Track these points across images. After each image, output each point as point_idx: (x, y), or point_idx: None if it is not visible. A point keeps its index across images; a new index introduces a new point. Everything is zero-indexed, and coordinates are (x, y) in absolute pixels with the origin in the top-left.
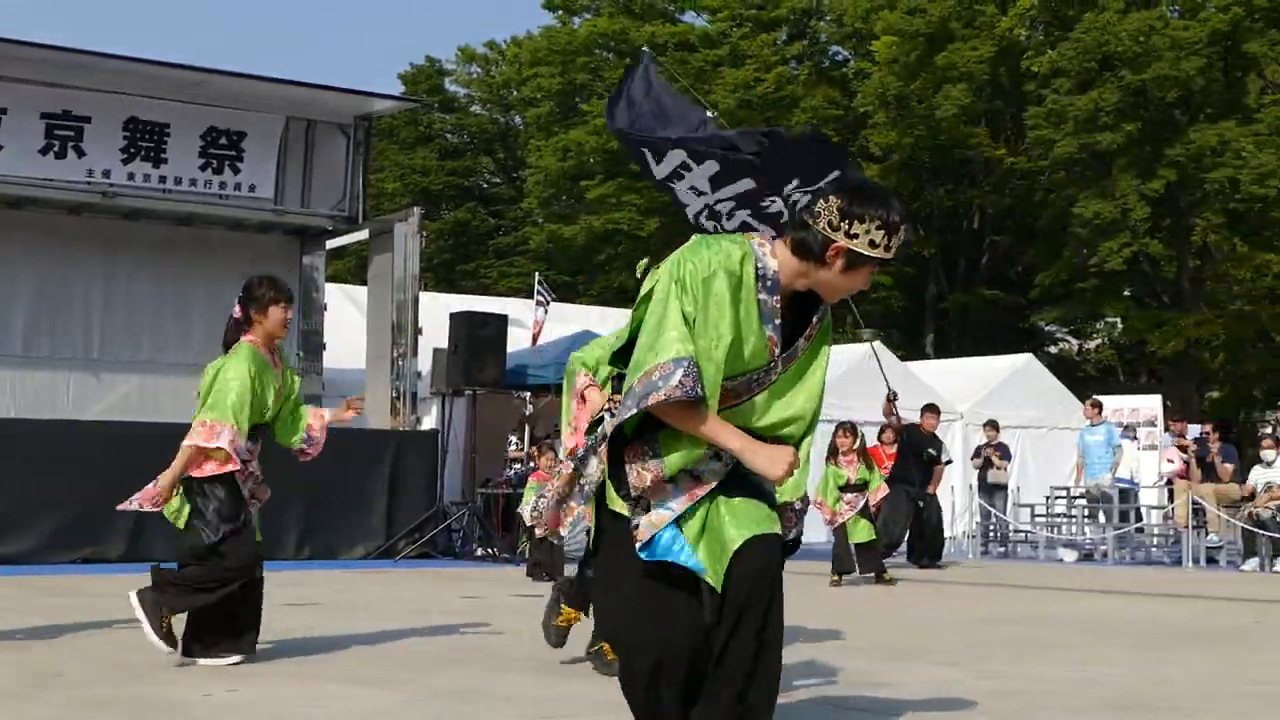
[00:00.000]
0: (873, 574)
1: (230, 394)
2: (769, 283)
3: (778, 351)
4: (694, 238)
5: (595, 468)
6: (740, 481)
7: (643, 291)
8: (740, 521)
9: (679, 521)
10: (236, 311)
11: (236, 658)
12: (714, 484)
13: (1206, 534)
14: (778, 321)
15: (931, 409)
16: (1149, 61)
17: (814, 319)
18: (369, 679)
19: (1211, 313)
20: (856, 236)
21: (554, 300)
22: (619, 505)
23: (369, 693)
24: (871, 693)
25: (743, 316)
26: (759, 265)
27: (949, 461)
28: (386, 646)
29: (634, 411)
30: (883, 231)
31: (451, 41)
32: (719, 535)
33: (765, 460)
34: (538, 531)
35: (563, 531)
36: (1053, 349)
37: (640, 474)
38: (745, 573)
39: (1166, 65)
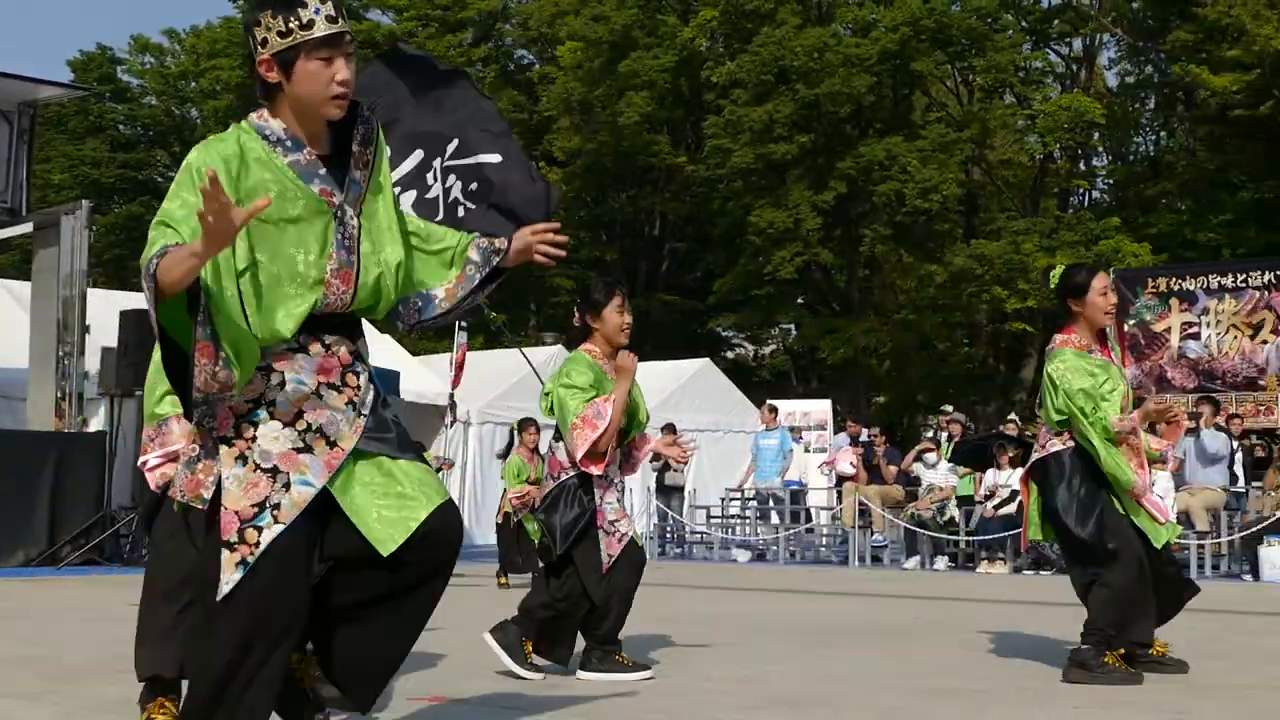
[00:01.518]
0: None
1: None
2: (287, 142)
3: (336, 198)
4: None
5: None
6: (389, 439)
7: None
8: (416, 486)
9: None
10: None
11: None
12: (353, 443)
13: (872, 534)
14: (323, 172)
15: None
16: (822, 77)
17: (354, 146)
18: (27, 692)
19: (879, 321)
20: (266, 41)
21: None
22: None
23: (25, 707)
24: (540, 693)
25: (275, 196)
26: (263, 133)
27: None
28: (47, 657)
29: (151, 312)
30: (282, 16)
31: (124, 29)
32: (398, 497)
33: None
34: (172, 494)
35: (205, 494)
36: (730, 354)
37: (209, 380)
38: (436, 544)
39: (839, 81)
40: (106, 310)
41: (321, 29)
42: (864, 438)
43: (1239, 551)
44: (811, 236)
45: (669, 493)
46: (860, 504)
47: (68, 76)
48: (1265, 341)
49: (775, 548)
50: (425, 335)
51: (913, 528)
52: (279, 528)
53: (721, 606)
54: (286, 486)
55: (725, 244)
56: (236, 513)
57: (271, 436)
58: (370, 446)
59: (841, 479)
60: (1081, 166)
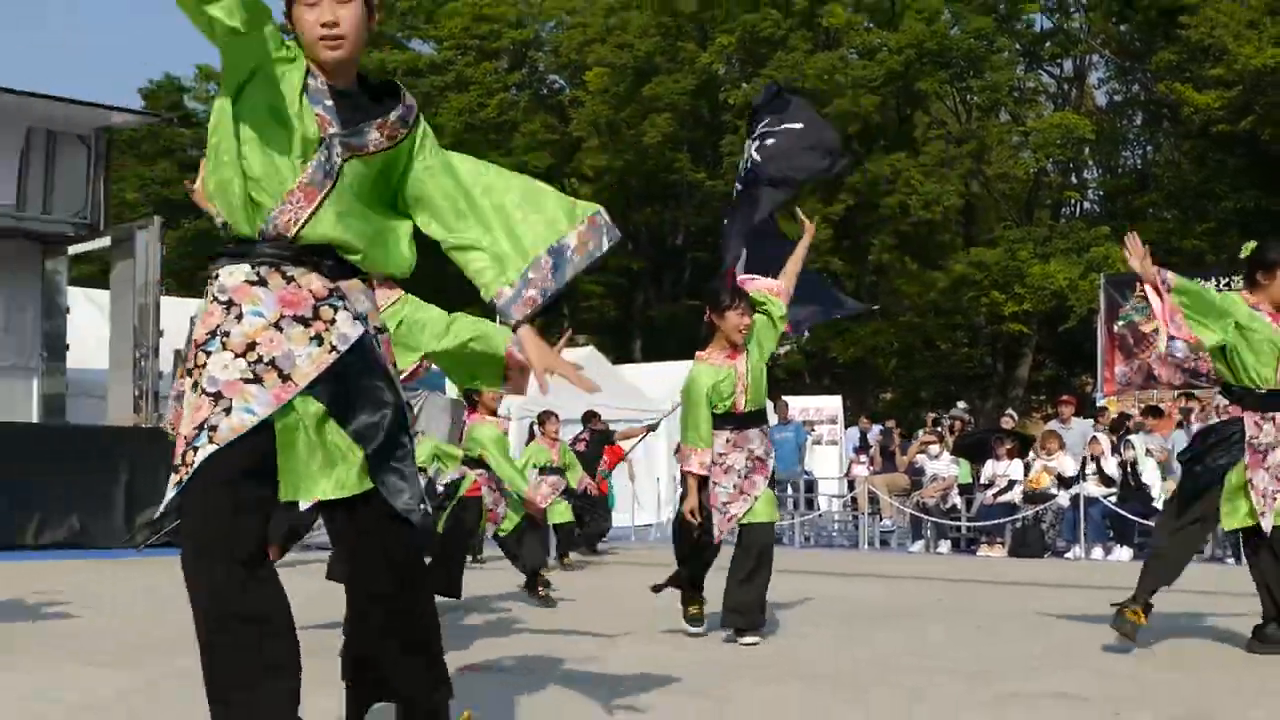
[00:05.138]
0: (561, 555)
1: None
2: (310, 66)
3: (331, 128)
4: None
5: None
6: (348, 398)
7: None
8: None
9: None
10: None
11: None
12: (310, 378)
13: (880, 519)
14: (329, 102)
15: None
16: (832, 97)
17: (390, 115)
18: (109, 661)
19: (886, 324)
20: None
21: None
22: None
23: (114, 675)
24: (576, 667)
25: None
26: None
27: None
28: (127, 630)
29: None
30: None
31: (190, 59)
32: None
33: None
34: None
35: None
36: None
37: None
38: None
39: (848, 101)
40: (178, 316)
41: None
42: (877, 430)
43: (1222, 537)
44: (823, 246)
45: None
46: (869, 492)
47: (139, 104)
48: None
49: (791, 532)
50: None
51: (918, 514)
52: (212, 448)
53: None
54: (227, 411)
55: None
56: (184, 436)
57: (221, 365)
58: (329, 401)
59: (850, 469)
60: (1073, 179)
